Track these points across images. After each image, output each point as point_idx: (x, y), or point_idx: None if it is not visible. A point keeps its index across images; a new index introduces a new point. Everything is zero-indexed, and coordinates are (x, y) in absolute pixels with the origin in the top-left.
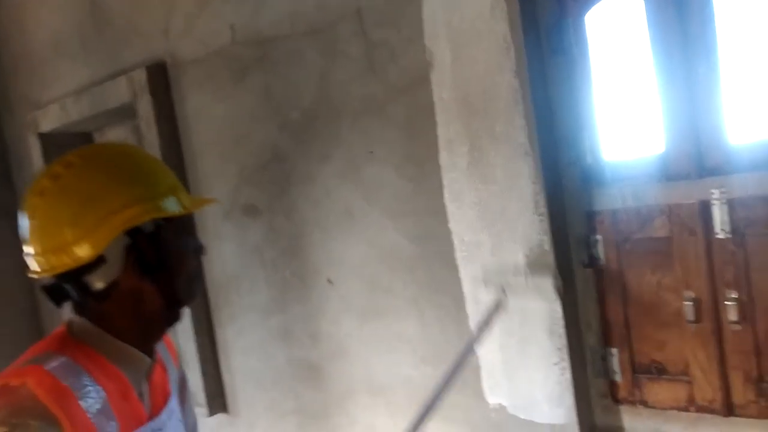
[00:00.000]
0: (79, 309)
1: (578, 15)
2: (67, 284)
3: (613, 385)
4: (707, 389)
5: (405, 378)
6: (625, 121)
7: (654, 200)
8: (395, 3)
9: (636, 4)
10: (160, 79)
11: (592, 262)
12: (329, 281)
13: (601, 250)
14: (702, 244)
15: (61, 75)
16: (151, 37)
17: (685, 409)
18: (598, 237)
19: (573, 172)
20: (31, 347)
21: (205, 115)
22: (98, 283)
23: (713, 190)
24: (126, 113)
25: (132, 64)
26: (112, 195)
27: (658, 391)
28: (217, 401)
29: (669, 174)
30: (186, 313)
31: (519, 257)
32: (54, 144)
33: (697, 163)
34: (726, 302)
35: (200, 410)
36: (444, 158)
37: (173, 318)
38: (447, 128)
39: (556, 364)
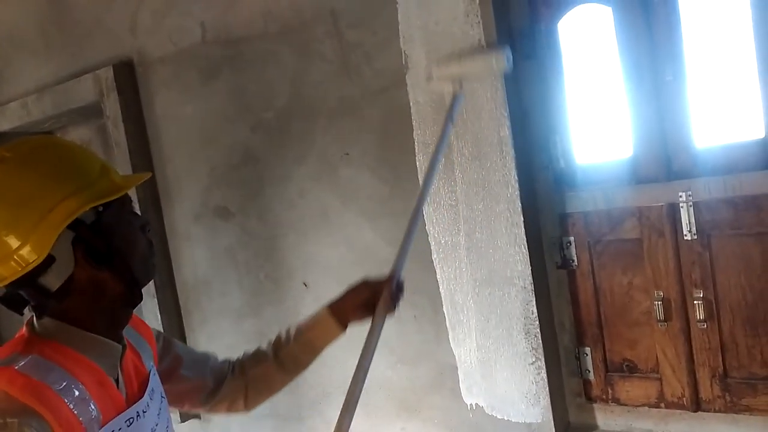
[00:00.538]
0: (40, 311)
1: (550, 21)
2: (23, 290)
3: (586, 384)
4: (676, 386)
5: (382, 379)
6: (596, 125)
7: (624, 203)
8: (370, 5)
9: (605, 13)
10: (128, 77)
11: (565, 263)
12: (305, 285)
13: (573, 252)
14: (670, 246)
15: (20, 72)
16: (117, 34)
17: (656, 406)
18: (571, 239)
19: (546, 175)
20: None
21: (175, 114)
22: (54, 283)
23: (680, 193)
24: (91, 112)
25: (97, 61)
26: (45, 192)
27: (630, 388)
28: None
29: (638, 177)
30: (156, 317)
31: (494, 259)
32: None
33: (665, 166)
34: (693, 301)
35: (172, 416)
36: (420, 161)
37: (134, 300)
38: (423, 131)
39: (531, 363)
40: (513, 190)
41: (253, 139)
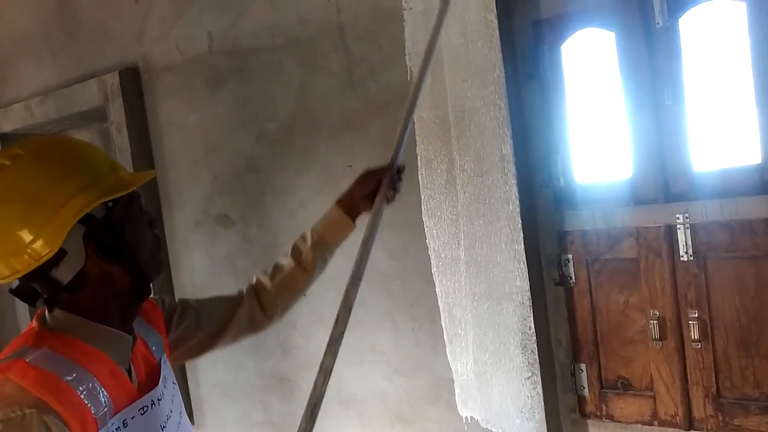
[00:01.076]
0: (52, 303)
1: (554, 43)
2: (36, 283)
3: (581, 400)
4: (670, 404)
5: (378, 390)
6: (596, 146)
7: (622, 223)
8: (377, 21)
9: (608, 37)
10: (133, 83)
11: (563, 280)
12: (303, 294)
13: (571, 269)
14: (667, 266)
15: (25, 75)
16: (124, 40)
17: (649, 423)
18: (569, 256)
19: (546, 193)
20: (6, 347)
21: (179, 122)
22: (66, 276)
23: (678, 215)
24: (94, 116)
25: (103, 67)
26: (57, 188)
27: (624, 405)
28: None
29: (637, 198)
30: None
31: (493, 274)
32: None
33: (663, 188)
34: (689, 321)
35: None
36: (422, 175)
37: (143, 293)
38: (425, 146)
39: (527, 378)
40: (513, 207)
41: (257, 149)
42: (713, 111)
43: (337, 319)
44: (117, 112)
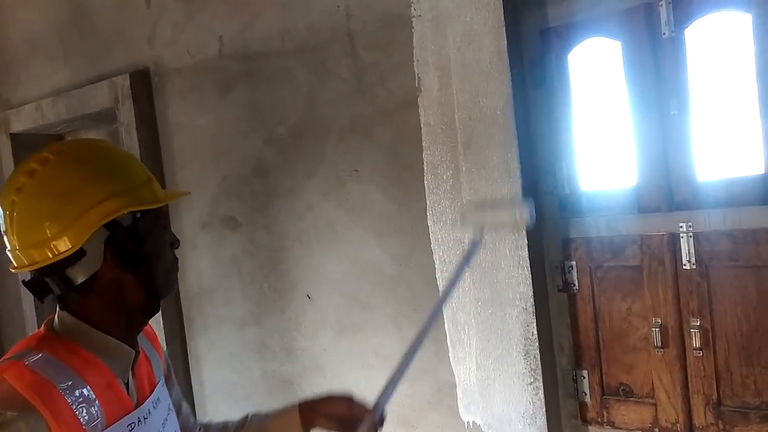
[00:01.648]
0: (62, 303)
1: (561, 52)
2: (49, 278)
3: (582, 406)
4: (671, 412)
5: None
6: (601, 154)
7: (626, 230)
8: (386, 28)
9: (615, 47)
10: (144, 86)
11: (567, 287)
12: (308, 297)
13: (575, 276)
14: (670, 274)
15: (37, 75)
16: (135, 43)
17: (650, 430)
18: (573, 263)
19: (551, 200)
20: (12, 348)
21: (188, 124)
22: (79, 276)
23: (681, 224)
24: (104, 118)
25: (114, 69)
26: (89, 189)
27: (625, 412)
28: None
29: (641, 206)
30: (157, 323)
31: (497, 279)
32: (25, 145)
33: (667, 197)
34: (690, 330)
35: None
36: (428, 180)
37: (152, 309)
38: (432, 152)
39: (530, 384)
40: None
41: (265, 153)
42: (718, 121)
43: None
44: (127, 114)
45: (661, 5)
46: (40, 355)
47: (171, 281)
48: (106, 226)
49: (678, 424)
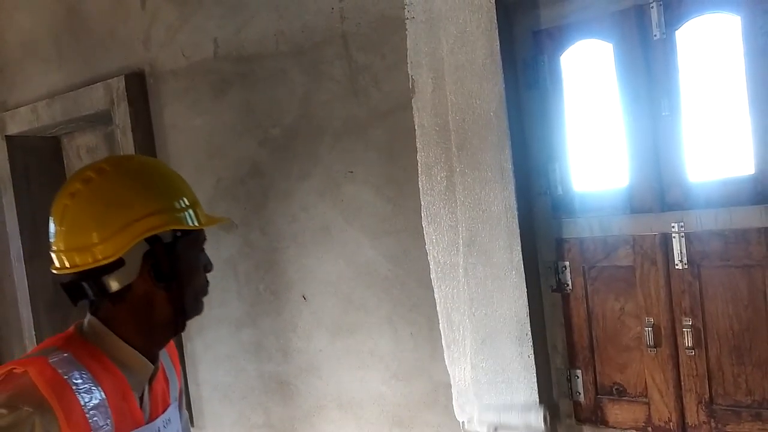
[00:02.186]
0: (93, 308)
1: (554, 54)
2: (86, 282)
3: (576, 406)
4: (664, 410)
5: (376, 394)
6: (594, 154)
7: (619, 231)
8: (380, 30)
9: (606, 48)
10: (139, 87)
11: (560, 287)
12: (304, 298)
13: (568, 276)
14: (662, 274)
15: (32, 78)
16: (130, 45)
17: (643, 429)
18: (566, 263)
19: (544, 201)
20: (40, 344)
21: (183, 126)
22: (114, 285)
23: (673, 224)
24: (100, 120)
25: (109, 71)
26: (138, 203)
27: (619, 411)
28: None
29: (633, 207)
30: None
31: (491, 281)
32: (21, 146)
33: (659, 197)
34: (683, 329)
35: None
36: (423, 182)
37: (178, 327)
38: (426, 153)
39: (524, 383)
40: (512, 214)
41: (260, 154)
42: (708, 122)
43: None
44: (122, 116)
45: (652, 7)
46: (64, 354)
47: (199, 303)
48: (147, 240)
49: (671, 423)
